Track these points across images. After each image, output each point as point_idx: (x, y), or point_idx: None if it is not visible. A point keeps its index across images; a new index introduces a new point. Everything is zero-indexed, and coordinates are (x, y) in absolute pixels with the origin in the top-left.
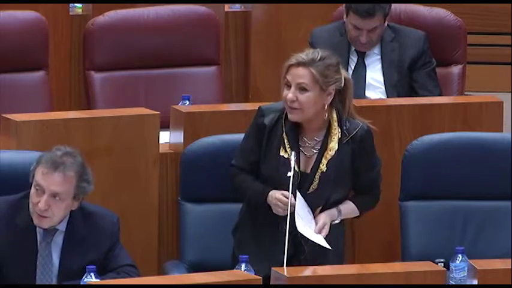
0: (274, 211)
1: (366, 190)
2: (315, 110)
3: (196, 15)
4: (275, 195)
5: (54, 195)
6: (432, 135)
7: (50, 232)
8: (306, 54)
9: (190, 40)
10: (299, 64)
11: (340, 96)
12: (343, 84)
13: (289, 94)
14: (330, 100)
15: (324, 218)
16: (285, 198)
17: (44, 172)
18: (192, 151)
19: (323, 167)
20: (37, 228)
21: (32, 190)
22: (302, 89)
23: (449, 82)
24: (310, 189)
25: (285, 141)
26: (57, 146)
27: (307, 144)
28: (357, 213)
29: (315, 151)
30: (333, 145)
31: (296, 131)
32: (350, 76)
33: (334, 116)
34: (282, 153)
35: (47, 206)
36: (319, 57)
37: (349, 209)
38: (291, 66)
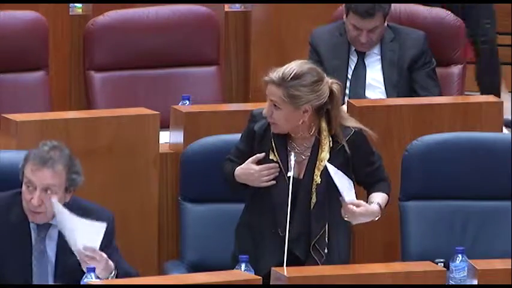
0: (251, 184)
1: (377, 179)
2: (290, 126)
3: (196, 15)
4: (242, 167)
5: (46, 190)
6: (432, 135)
7: (44, 227)
8: (278, 72)
9: (190, 40)
10: (271, 82)
11: (327, 107)
12: (324, 101)
13: (265, 110)
14: (307, 116)
15: (365, 205)
16: (254, 166)
17: (33, 169)
18: (192, 151)
19: (317, 178)
20: (31, 224)
21: (24, 188)
22: (275, 105)
23: (449, 82)
24: (311, 205)
25: (273, 145)
26: (43, 141)
27: (296, 150)
28: (387, 198)
29: (304, 157)
30: (324, 155)
31: (283, 136)
32: (350, 76)
33: (324, 125)
34: (271, 156)
35: (40, 201)
36: (291, 77)
37: (383, 198)
38: (266, 82)
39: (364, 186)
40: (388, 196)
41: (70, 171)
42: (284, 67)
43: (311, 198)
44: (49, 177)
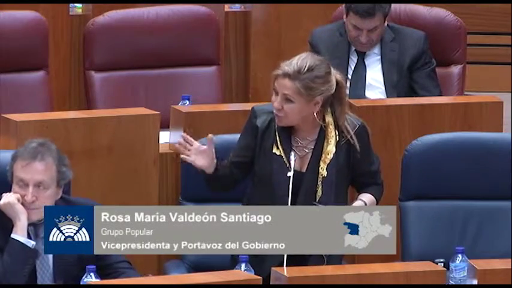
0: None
1: (370, 182)
2: (301, 118)
3: (196, 15)
4: None
5: (38, 184)
6: (432, 135)
7: (40, 226)
8: (292, 65)
9: (190, 40)
10: (285, 75)
11: (333, 98)
12: (333, 91)
13: (275, 103)
14: (318, 108)
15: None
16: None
17: (23, 165)
18: None
19: (323, 171)
20: (28, 226)
21: (15, 187)
22: (287, 99)
23: (449, 82)
24: (317, 197)
25: (277, 139)
26: (30, 139)
27: (299, 144)
28: (375, 201)
29: (307, 150)
30: (331, 148)
31: (288, 130)
32: (350, 76)
33: (330, 119)
34: (274, 150)
35: (34, 197)
36: (306, 69)
37: (370, 200)
38: (277, 75)
39: (358, 186)
40: (377, 201)
41: (60, 164)
42: (295, 59)
43: (316, 191)
44: (40, 170)
